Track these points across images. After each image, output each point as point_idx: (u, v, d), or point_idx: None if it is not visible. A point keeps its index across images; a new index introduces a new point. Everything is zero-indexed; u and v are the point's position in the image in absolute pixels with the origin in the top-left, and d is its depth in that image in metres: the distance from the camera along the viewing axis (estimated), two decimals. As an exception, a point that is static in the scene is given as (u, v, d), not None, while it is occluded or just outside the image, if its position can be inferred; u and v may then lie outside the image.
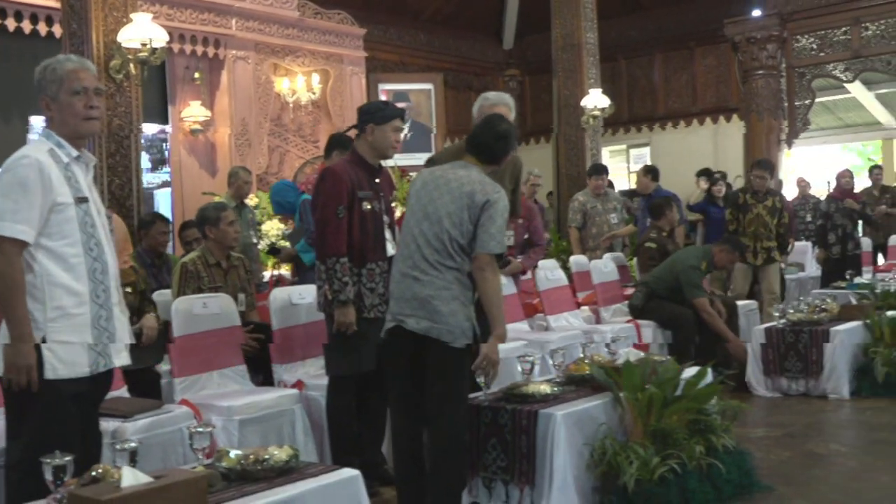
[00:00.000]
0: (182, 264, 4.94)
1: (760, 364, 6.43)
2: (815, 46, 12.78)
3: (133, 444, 2.86)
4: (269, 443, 4.28)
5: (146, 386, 4.87)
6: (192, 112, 9.67)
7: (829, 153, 18.76)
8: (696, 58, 14.12)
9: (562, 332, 6.15)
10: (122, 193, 6.52)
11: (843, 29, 12.54)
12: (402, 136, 4.47)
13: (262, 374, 5.07)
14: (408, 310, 3.59)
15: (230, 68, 9.73)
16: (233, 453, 2.96)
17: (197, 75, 9.67)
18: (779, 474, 4.44)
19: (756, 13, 12.69)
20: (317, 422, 4.58)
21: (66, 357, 3.02)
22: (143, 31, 6.11)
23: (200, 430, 3.00)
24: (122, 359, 3.26)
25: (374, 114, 4.41)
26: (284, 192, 6.97)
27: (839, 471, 4.55)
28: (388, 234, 4.45)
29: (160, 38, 6.18)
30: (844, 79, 12.92)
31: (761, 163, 8.12)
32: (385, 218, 4.45)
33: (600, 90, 9.92)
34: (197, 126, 9.68)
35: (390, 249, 4.43)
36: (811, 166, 15.18)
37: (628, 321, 6.84)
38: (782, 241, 7.96)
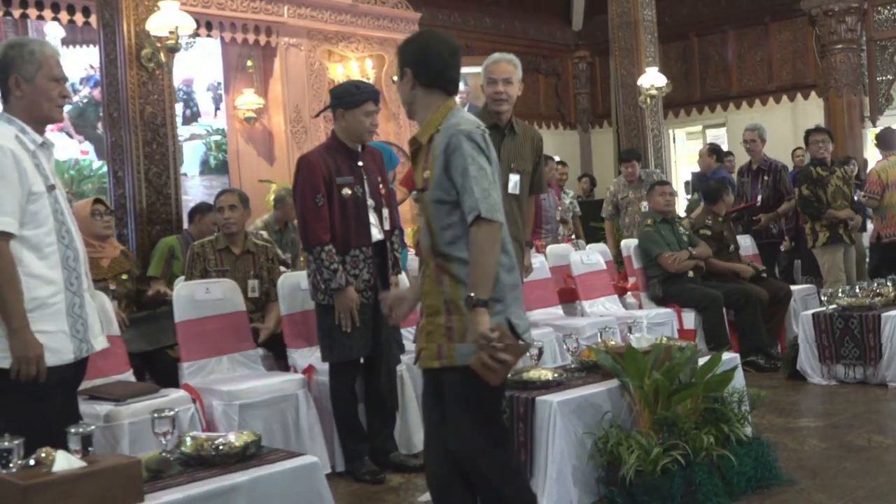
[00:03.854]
0: (191, 247, 4.93)
1: (815, 350, 6.07)
2: (897, 17, 12.09)
3: (91, 428, 2.81)
4: (271, 428, 4.25)
5: (164, 370, 4.89)
6: (246, 100, 9.70)
7: (924, 131, 17.80)
8: (771, 33, 13.49)
9: (594, 318, 5.91)
10: (160, 181, 6.55)
11: (929, -2, 11.83)
12: (376, 118, 4.28)
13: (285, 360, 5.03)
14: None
15: (282, 56, 9.65)
16: (190, 439, 2.89)
17: (249, 63, 9.69)
18: (807, 467, 4.14)
19: (834, -16, 12.05)
20: (327, 407, 4.51)
21: (52, 345, 3.01)
22: (169, 19, 6.11)
23: (163, 414, 2.94)
24: (100, 342, 3.28)
25: (343, 98, 4.24)
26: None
27: (874, 464, 4.20)
28: (373, 219, 4.30)
29: (187, 25, 6.18)
30: (930, 51, 12.18)
31: (819, 128, 7.49)
32: (370, 201, 4.29)
33: (657, 68, 9.54)
34: (251, 114, 9.71)
35: (375, 234, 4.30)
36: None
37: (670, 306, 6.55)
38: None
